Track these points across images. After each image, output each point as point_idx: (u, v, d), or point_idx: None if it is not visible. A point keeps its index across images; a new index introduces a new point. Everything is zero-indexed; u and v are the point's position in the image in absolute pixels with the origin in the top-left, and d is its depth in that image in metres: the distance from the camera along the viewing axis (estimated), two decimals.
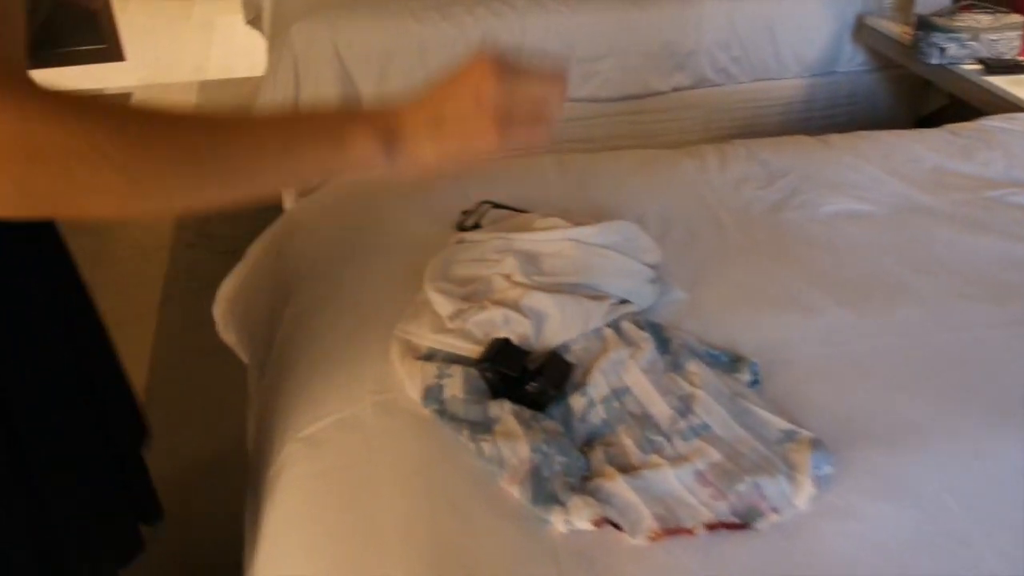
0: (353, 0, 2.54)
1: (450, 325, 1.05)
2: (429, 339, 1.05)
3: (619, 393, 0.99)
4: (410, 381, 1.01)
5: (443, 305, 1.08)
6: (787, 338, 1.11)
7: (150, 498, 1.06)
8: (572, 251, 1.13)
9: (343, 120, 0.66)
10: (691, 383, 0.99)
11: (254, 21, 3.31)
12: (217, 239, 2.69)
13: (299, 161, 0.64)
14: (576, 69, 2.54)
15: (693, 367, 1.01)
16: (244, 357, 1.55)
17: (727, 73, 2.70)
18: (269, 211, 2.44)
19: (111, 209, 0.58)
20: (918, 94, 2.92)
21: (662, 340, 1.07)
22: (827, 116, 2.88)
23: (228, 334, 1.56)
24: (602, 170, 1.50)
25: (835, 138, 1.66)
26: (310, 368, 1.11)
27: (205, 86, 3.87)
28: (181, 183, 0.59)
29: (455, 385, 0.98)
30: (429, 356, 1.04)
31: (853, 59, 2.80)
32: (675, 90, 2.66)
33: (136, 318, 2.37)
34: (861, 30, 2.72)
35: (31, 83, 0.54)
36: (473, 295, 1.09)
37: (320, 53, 2.37)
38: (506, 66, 0.67)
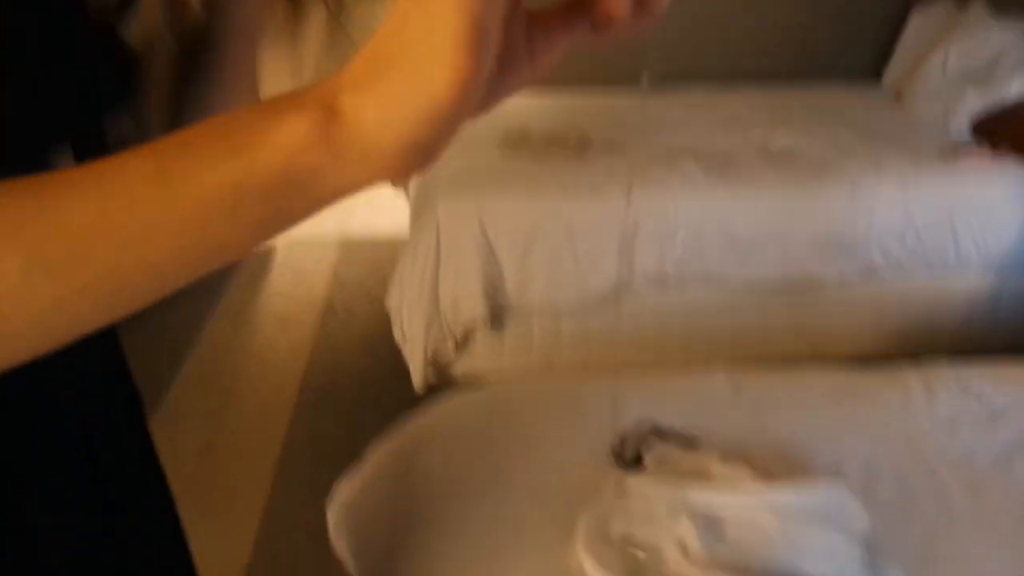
0: (502, 172, 2.48)
1: None
2: None
3: None
4: None
5: None
6: None
7: None
8: (766, 520, 0.90)
9: (250, 120, 0.40)
10: None
11: (399, 183, 3.33)
12: (343, 406, 2.58)
13: (185, 189, 0.38)
14: (728, 253, 2.37)
15: None
16: (353, 571, 1.37)
17: (900, 265, 2.45)
18: (400, 380, 2.35)
19: None
20: None
21: None
22: (1015, 317, 2.57)
23: (340, 542, 1.39)
24: (784, 395, 1.28)
25: None
26: None
27: (345, 245, 3.90)
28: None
29: None
30: None
31: None
32: (841, 280, 2.43)
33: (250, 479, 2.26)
34: None
35: None
36: (640, 570, 0.87)
37: (465, 227, 2.28)
38: None
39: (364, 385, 2.72)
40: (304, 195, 0.40)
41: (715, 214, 2.35)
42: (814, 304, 2.45)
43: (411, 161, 0.40)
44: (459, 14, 0.37)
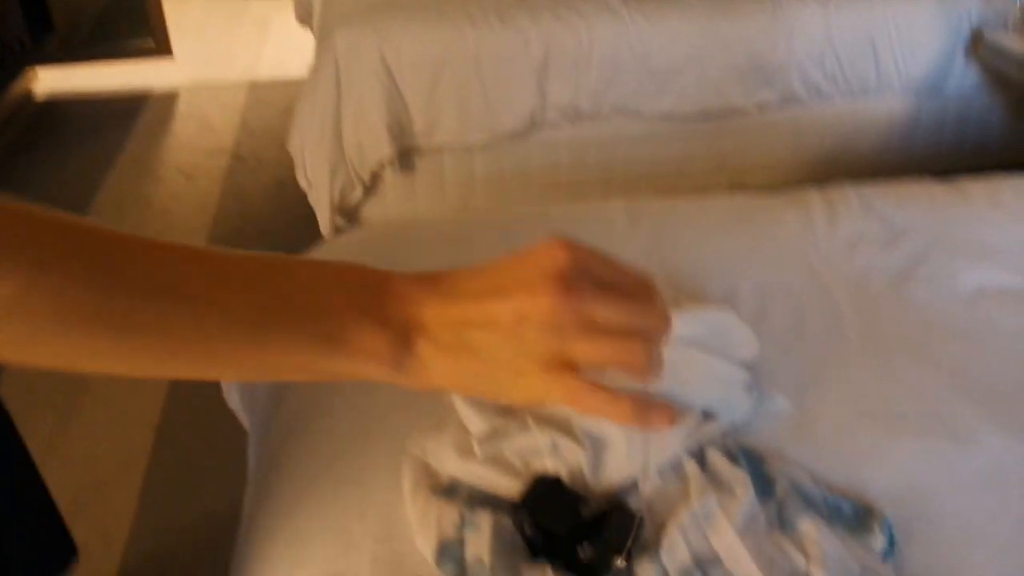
0: (405, 2, 2.30)
1: (480, 450, 0.80)
2: (452, 465, 0.80)
3: (704, 564, 0.72)
4: (421, 528, 0.76)
5: (473, 420, 0.82)
6: (932, 478, 0.83)
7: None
8: None
9: (343, 307, 0.46)
10: (806, 554, 0.72)
11: (304, 19, 3.11)
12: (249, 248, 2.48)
13: (269, 350, 0.45)
14: (649, 83, 2.27)
15: (808, 527, 0.74)
16: (245, 423, 1.33)
17: (819, 90, 2.39)
18: (310, 228, 2.25)
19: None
20: None
21: (763, 479, 0.80)
22: (932, 142, 2.55)
23: (231, 393, 1.34)
24: (684, 223, 1.22)
25: (970, 186, 1.36)
26: (300, 489, 0.86)
27: (255, 87, 3.68)
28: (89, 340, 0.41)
29: (481, 542, 0.72)
30: (451, 490, 0.79)
31: (965, 77, 2.47)
32: (760, 108, 2.36)
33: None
34: (978, 45, 2.39)
35: None
36: (512, 408, 0.83)
37: (365, 61, 2.13)
38: (584, 266, 0.47)
39: (274, 233, 2.63)
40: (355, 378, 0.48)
41: (630, 41, 2.23)
42: (733, 133, 2.39)
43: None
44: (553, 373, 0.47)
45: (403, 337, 0.46)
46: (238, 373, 0.51)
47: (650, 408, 0.49)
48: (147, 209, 2.81)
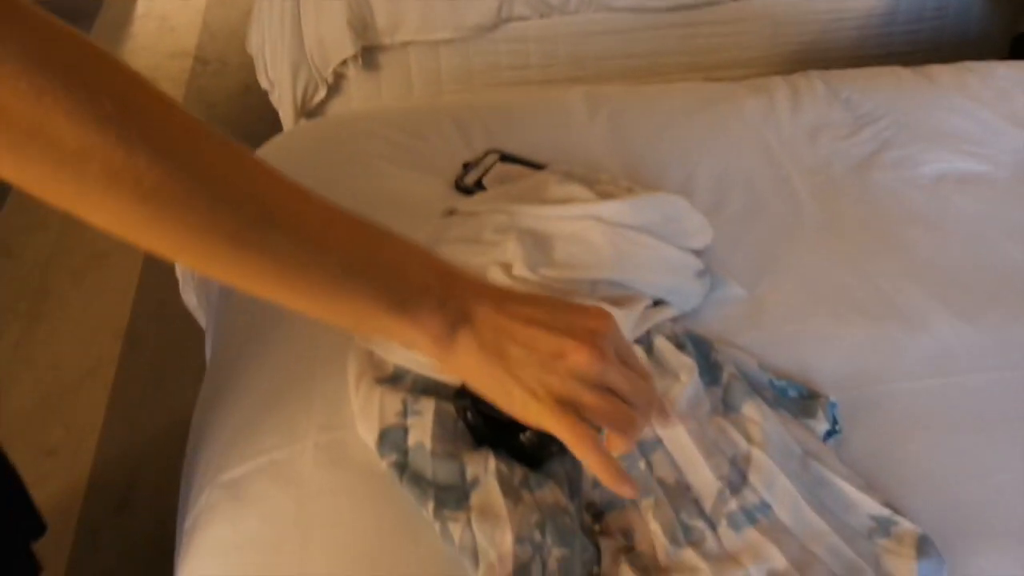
0: None
1: None
2: (397, 354, 0.79)
3: (647, 448, 0.72)
4: (364, 416, 0.75)
5: None
6: (880, 363, 0.83)
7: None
8: (594, 235, 0.84)
9: (419, 281, 0.53)
10: (748, 436, 0.72)
11: None
12: None
13: (347, 296, 0.51)
14: None
15: (751, 410, 0.74)
16: (202, 322, 1.32)
17: None
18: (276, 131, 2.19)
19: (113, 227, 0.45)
20: (1016, 6, 2.51)
21: (710, 365, 0.79)
22: (910, 32, 2.49)
23: (188, 295, 1.32)
24: (643, 109, 1.19)
25: (937, 71, 1.32)
26: (249, 378, 0.85)
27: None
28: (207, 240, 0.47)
29: (423, 428, 0.72)
30: (395, 378, 0.78)
31: None
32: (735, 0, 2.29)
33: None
34: None
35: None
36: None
37: None
38: (617, 341, 0.56)
39: (241, 137, 2.56)
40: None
41: None
42: (707, 26, 2.32)
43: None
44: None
45: (453, 322, 0.53)
46: (306, 306, 0.51)
47: (625, 479, 0.55)
48: None
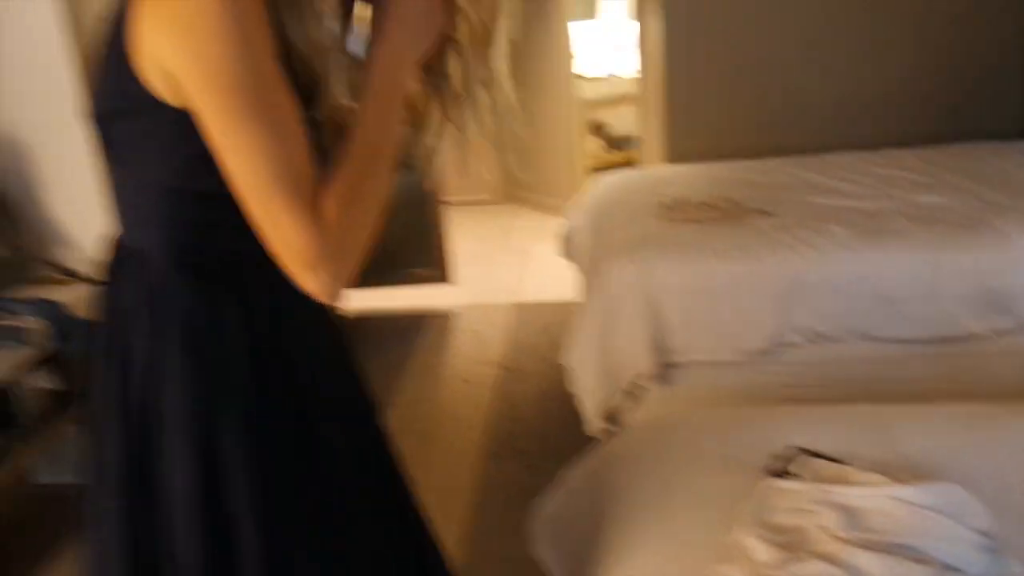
0: (662, 238, 2.76)
1: (771, 574, 1.08)
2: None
3: None
4: None
5: (761, 551, 1.12)
6: None
7: None
8: (895, 510, 1.13)
9: (387, 85, 0.94)
10: None
11: (568, 255, 3.66)
12: (524, 454, 2.89)
13: (393, 123, 0.94)
14: (882, 310, 2.52)
15: None
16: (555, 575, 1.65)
17: None
18: (571, 432, 2.64)
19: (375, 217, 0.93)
20: None
21: None
22: None
23: (542, 550, 1.68)
24: (918, 424, 1.48)
25: None
26: None
27: (519, 308, 4.26)
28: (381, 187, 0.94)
29: None
30: None
31: None
32: (996, 334, 2.53)
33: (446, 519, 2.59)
34: None
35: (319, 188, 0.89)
36: (789, 545, 1.12)
37: (630, 290, 2.57)
38: None
39: (541, 436, 3.02)
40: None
41: (865, 273, 2.53)
42: (968, 357, 2.56)
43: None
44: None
45: (405, 68, 0.96)
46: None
47: None
48: (434, 408, 3.33)
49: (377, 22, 0.95)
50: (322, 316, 1.11)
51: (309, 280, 0.87)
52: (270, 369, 1.01)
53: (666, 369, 2.58)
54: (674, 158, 4.07)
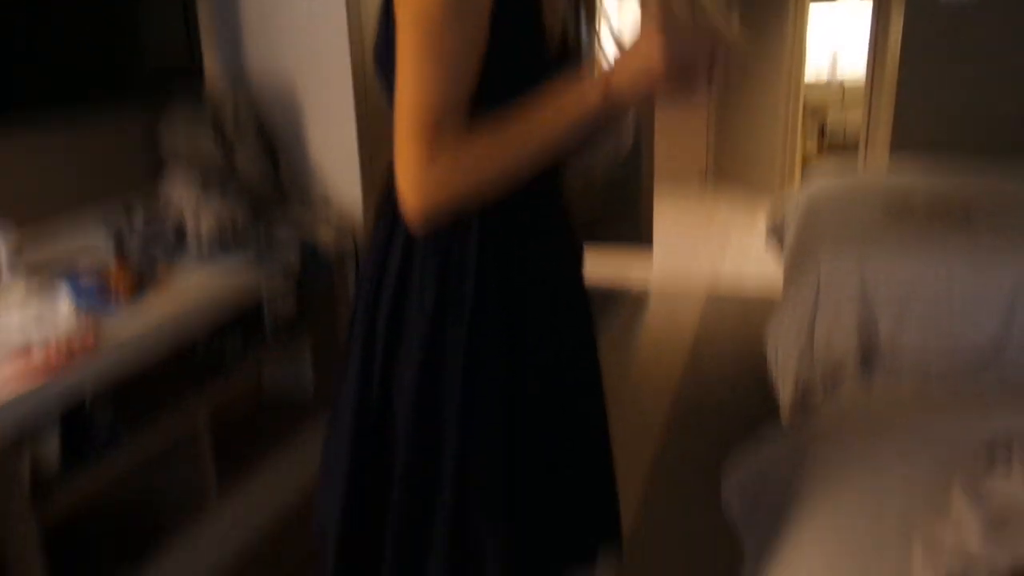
0: (884, 234, 2.69)
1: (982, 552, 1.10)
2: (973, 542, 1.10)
3: None
4: None
5: (974, 529, 1.13)
6: None
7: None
8: None
9: (580, 90, 0.93)
10: None
11: (773, 230, 3.62)
12: (707, 435, 2.93)
13: (568, 118, 0.93)
14: None
15: None
16: (741, 534, 1.70)
17: None
18: (758, 417, 2.64)
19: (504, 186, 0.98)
20: None
21: None
22: None
23: (732, 507, 1.72)
24: None
25: None
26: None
27: (712, 299, 4.26)
28: (524, 162, 0.96)
29: None
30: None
31: None
32: None
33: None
34: None
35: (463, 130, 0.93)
36: (1004, 523, 1.13)
37: (844, 280, 2.54)
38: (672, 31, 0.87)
39: (729, 418, 3.02)
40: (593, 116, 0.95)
41: None
42: None
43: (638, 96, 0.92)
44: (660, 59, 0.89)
45: (607, 92, 0.91)
46: (560, 136, 0.95)
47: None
48: (624, 380, 3.42)
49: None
50: (576, 270, 1.23)
51: (402, 203, 0.95)
52: (519, 313, 1.08)
53: (870, 366, 2.54)
54: (899, 151, 3.94)
